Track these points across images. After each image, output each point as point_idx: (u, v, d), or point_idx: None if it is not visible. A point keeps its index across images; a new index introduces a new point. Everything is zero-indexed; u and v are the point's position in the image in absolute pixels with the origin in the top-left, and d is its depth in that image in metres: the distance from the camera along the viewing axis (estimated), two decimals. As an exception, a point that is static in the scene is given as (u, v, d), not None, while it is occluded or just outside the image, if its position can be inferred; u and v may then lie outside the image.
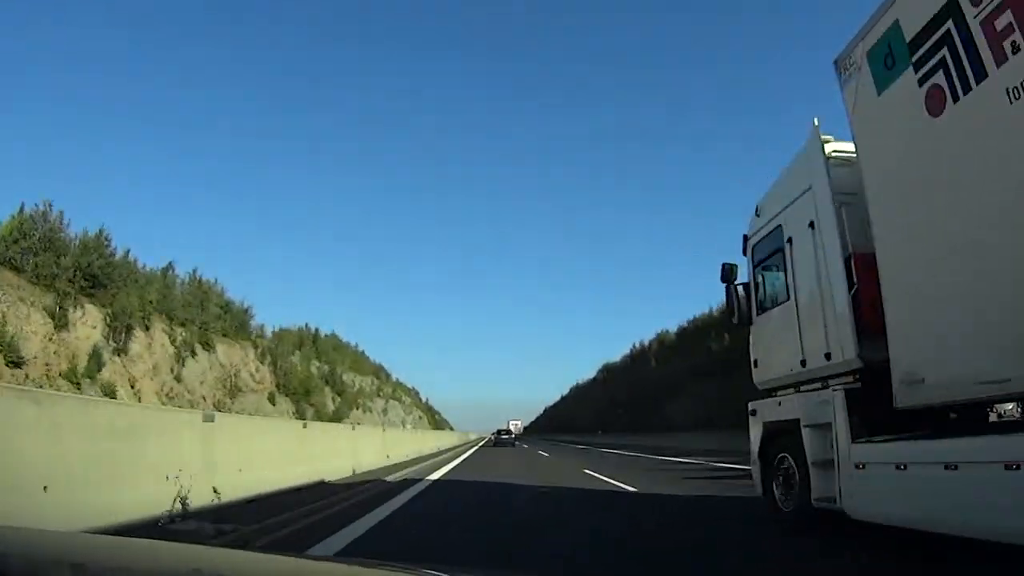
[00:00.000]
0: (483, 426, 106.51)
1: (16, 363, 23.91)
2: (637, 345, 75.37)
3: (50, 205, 30.70)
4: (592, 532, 6.61)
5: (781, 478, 5.98)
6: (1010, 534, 3.45)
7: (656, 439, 38.45)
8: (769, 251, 6.60)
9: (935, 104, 4.08)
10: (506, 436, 46.92)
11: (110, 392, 27.90)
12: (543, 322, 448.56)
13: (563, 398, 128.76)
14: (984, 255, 3.82)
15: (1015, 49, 3.49)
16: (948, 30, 3.91)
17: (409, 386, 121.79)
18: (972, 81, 3.78)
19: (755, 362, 6.91)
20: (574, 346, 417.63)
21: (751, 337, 7.10)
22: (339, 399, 63.50)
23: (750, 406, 6.78)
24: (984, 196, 3.83)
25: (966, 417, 4.62)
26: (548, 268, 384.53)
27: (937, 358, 4.22)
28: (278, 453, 8.84)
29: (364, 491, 9.62)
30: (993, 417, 4.97)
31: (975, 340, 3.94)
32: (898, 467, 4.26)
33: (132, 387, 30.46)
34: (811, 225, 5.52)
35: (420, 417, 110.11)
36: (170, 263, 42.01)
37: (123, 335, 31.52)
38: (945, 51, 3.95)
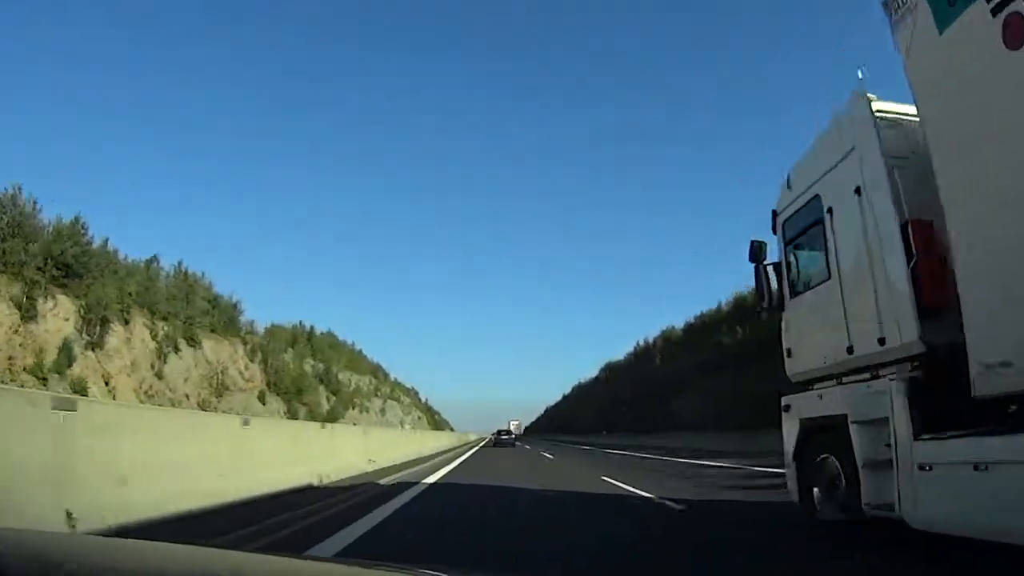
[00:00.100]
0: (483, 426, 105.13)
1: (-28, 356, 21.95)
2: (641, 343, 73.59)
3: (19, 188, 28.77)
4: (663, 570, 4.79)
5: (822, 482, 5.51)
6: None
7: (665, 439, 36.50)
8: (804, 226, 6.09)
9: (1015, 34, 3.62)
10: (506, 436, 47.16)
11: (81, 389, 25.92)
12: (543, 322, 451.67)
13: (564, 398, 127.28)
14: None
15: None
16: None
17: (408, 386, 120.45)
18: None
19: (788, 352, 6.39)
20: (574, 346, 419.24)
21: (783, 324, 6.52)
22: (334, 399, 61.60)
23: (783, 401, 6.23)
24: None
25: None
26: (548, 268, 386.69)
27: None
28: (196, 459, 6.50)
29: (316, 512, 7.14)
30: None
31: None
32: (977, 468, 3.81)
33: (106, 384, 28.49)
34: (857, 191, 5.07)
35: (419, 417, 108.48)
36: (154, 255, 40.08)
37: (98, 328, 29.55)
38: None
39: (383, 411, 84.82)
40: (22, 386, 22.42)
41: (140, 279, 37.51)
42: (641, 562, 4.99)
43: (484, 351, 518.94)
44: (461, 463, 18.67)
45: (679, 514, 7.35)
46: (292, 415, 44.51)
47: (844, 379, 5.42)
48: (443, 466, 15.56)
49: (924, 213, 4.54)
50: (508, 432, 50.30)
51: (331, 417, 53.26)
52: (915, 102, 4.62)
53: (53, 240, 29.71)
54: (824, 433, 5.52)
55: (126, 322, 32.84)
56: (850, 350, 5.21)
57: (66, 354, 27.07)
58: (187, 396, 34.14)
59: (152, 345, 33.96)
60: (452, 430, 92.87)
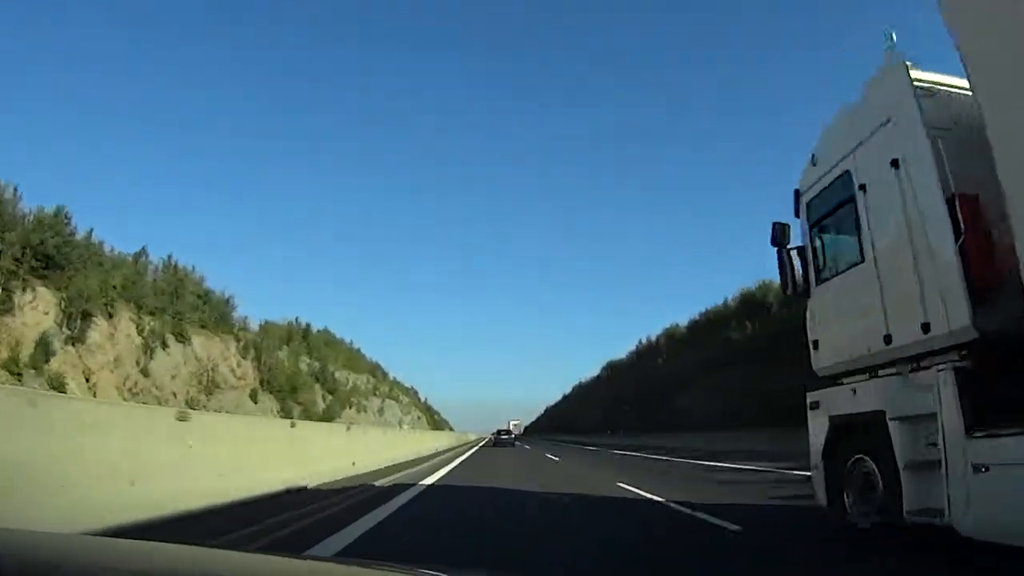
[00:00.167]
0: (483, 426, 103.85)
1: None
2: (644, 341, 72.36)
3: (-5, 175, 27.49)
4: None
5: (856, 485, 5.18)
6: None
7: (673, 439, 35.15)
8: (832, 205, 5.75)
9: None
10: (506, 436, 47.24)
11: (59, 386, 24.62)
12: (543, 322, 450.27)
13: (565, 397, 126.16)
14: None
15: None
16: None
17: (408, 386, 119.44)
18: None
19: (814, 344, 6.00)
20: (574, 346, 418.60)
21: (808, 313, 6.13)
22: (330, 397, 60.35)
23: (809, 398, 5.88)
24: None
25: None
26: (548, 268, 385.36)
27: None
28: (132, 459, 5.00)
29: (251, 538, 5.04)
30: None
31: None
32: None
33: (87, 380, 27.18)
34: (894, 165, 4.79)
35: (418, 417, 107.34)
36: (143, 248, 38.82)
37: (78, 322, 28.26)
38: None
39: (381, 410, 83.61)
40: (-6, 382, 21.12)
41: (127, 272, 36.24)
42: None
43: (484, 351, 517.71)
44: (457, 465, 17.25)
45: (735, 537, 5.82)
46: (286, 414, 43.18)
47: (880, 372, 5.06)
48: (434, 471, 14.03)
49: (968, 188, 4.27)
50: (508, 432, 50.40)
51: (327, 416, 51.98)
52: (962, 59, 4.15)
53: (33, 229, 28.44)
54: (857, 432, 5.22)
55: (110, 316, 31.55)
56: (888, 339, 4.85)
57: (44, 349, 25.77)
58: (174, 394, 32.83)
59: (138, 341, 32.67)
60: (452, 430, 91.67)
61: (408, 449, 17.47)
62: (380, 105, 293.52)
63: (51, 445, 4.41)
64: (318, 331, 71.86)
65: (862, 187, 5.23)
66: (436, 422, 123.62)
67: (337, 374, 68.39)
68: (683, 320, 61.00)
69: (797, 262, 6.12)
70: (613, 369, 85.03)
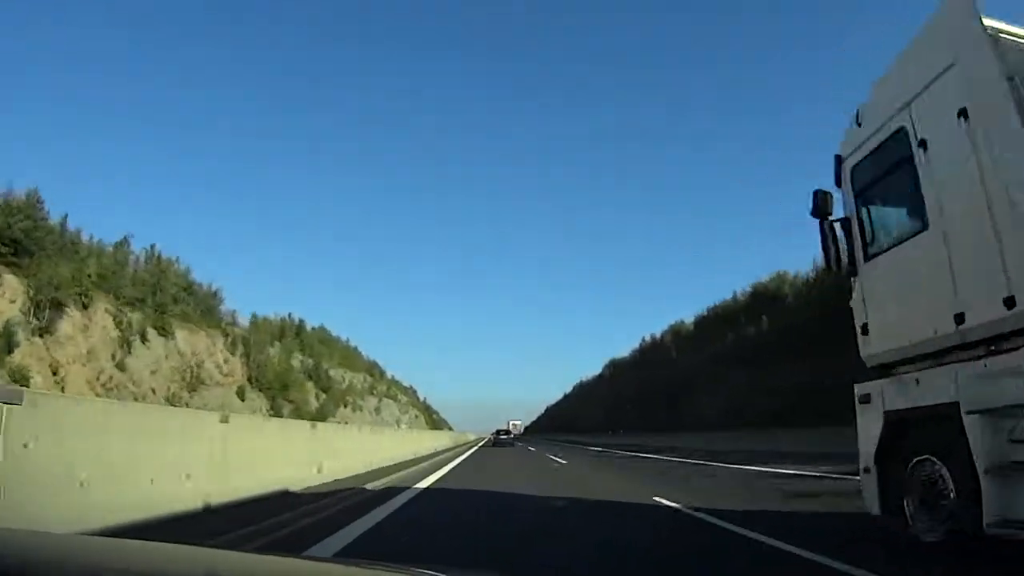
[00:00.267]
0: (483, 426, 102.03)
1: None
2: (648, 338, 70.55)
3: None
4: None
5: (919, 492, 4.53)
6: None
7: (683, 438, 33.19)
8: (884, 168, 5.18)
9: None
10: (505, 436, 47.35)
11: (21, 379, 22.65)
12: (543, 322, 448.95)
13: (565, 396, 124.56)
14: None
15: None
16: None
17: (407, 385, 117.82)
18: None
19: (863, 328, 5.29)
20: (574, 346, 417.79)
21: (855, 294, 5.45)
22: (324, 396, 58.48)
23: (859, 390, 5.21)
24: None
25: None
26: (548, 268, 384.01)
27: None
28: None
29: None
30: None
31: None
32: None
33: (54, 374, 25.22)
34: (962, 115, 4.24)
35: (417, 416, 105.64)
36: (124, 237, 36.89)
37: (47, 312, 26.31)
38: None
39: (378, 410, 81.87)
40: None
41: (106, 262, 34.36)
42: None
43: (484, 351, 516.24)
44: (451, 470, 15.21)
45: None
46: (276, 412, 41.28)
47: (946, 358, 4.53)
48: (422, 478, 12.04)
49: None
50: (507, 432, 50.36)
51: (320, 415, 50.12)
52: None
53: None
54: (922, 429, 4.72)
55: (85, 307, 29.61)
56: (960, 318, 4.35)
57: (7, 340, 23.83)
58: (153, 390, 30.89)
59: (115, 333, 30.73)
60: (451, 429, 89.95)
61: (396, 452, 15.42)
62: (380, 105, 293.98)
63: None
64: (313, 328, 70.13)
65: (922, 144, 4.75)
66: (435, 422, 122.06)
67: (332, 372, 66.59)
68: (688, 317, 59.34)
69: (841, 235, 5.56)
70: (615, 368, 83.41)
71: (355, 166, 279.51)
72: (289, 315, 63.76)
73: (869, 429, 5.13)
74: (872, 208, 5.50)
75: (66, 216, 30.61)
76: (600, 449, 32.37)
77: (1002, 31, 4.45)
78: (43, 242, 28.47)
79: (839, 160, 5.77)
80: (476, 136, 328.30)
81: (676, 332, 60.71)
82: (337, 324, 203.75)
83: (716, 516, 6.12)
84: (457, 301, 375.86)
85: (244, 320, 49.72)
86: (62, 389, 24.52)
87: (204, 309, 40.15)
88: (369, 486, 9.18)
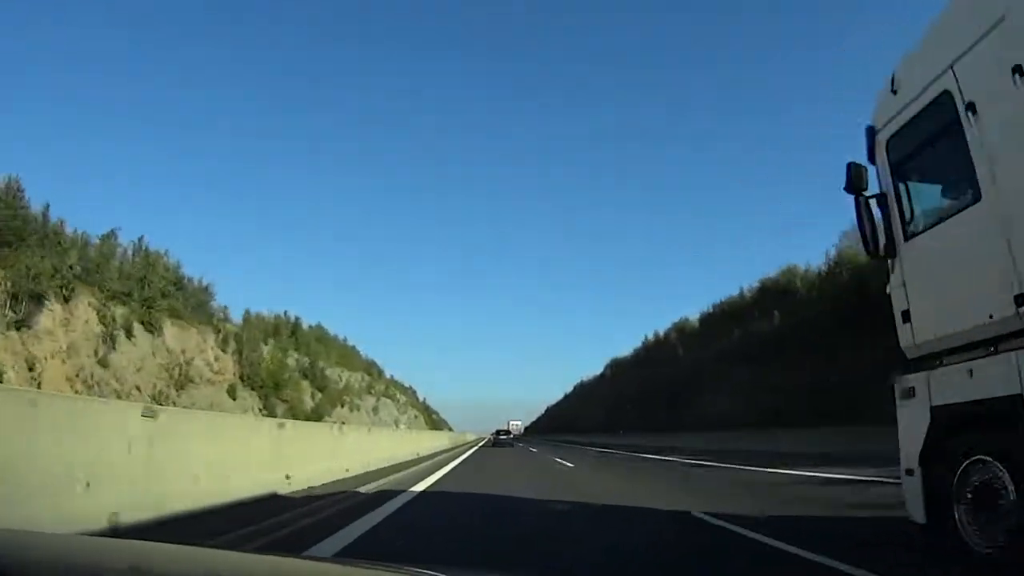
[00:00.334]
0: (483, 426, 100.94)
1: None
2: (651, 336, 69.19)
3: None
4: None
5: (971, 496, 4.14)
6: None
7: (692, 439, 31.91)
8: (926, 137, 4.85)
9: None
10: (505, 436, 47.32)
11: (-7, 375, 21.36)
12: (543, 322, 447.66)
13: (566, 396, 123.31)
14: None
15: None
16: None
17: (406, 385, 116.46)
18: None
19: (904, 315, 4.97)
20: (574, 346, 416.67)
21: (894, 277, 5.06)
22: (320, 395, 57.16)
23: (901, 384, 4.84)
24: None
25: None
26: (548, 268, 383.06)
27: None
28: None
29: None
30: None
31: None
32: None
33: (31, 369, 23.90)
34: (1017, 71, 3.91)
35: (416, 416, 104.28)
36: (112, 229, 35.53)
37: (24, 305, 24.98)
38: None
39: (376, 409, 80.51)
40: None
41: (93, 255, 33.05)
42: None
43: (484, 351, 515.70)
44: (446, 475, 13.85)
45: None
46: (269, 411, 39.98)
47: (1004, 345, 4.06)
48: (411, 485, 10.73)
49: None
50: (507, 432, 50.41)
51: (316, 415, 48.82)
52: None
53: (-27, 201, 25.24)
54: (977, 426, 4.25)
55: (66, 300, 28.28)
56: (1021, 300, 3.92)
57: (-22, 334, 22.53)
58: (138, 388, 29.56)
59: (98, 328, 29.40)
60: (451, 430, 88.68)
61: (382, 454, 13.95)
62: (380, 105, 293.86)
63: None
64: (310, 326, 68.77)
65: (970, 107, 4.45)
66: (434, 422, 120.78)
67: (328, 371, 65.27)
68: (692, 314, 58.05)
69: (877, 213, 5.29)
70: (617, 367, 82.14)
71: (355, 166, 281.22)
72: (285, 312, 62.46)
73: (913, 427, 4.80)
74: (912, 183, 5.19)
75: (47, 206, 29.24)
76: (605, 450, 31.11)
77: None
78: (22, 232, 27.09)
79: (871, 132, 5.43)
80: (476, 136, 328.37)
81: (680, 329, 59.47)
82: (337, 324, 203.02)
83: (812, 550, 4.73)
84: (457, 301, 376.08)
85: (237, 316, 48.44)
86: (38, 385, 23.21)
87: (195, 304, 38.81)
88: (362, 489, 8.25)
